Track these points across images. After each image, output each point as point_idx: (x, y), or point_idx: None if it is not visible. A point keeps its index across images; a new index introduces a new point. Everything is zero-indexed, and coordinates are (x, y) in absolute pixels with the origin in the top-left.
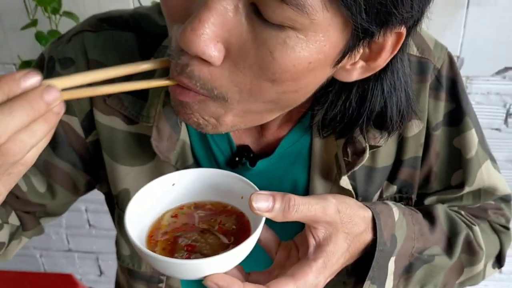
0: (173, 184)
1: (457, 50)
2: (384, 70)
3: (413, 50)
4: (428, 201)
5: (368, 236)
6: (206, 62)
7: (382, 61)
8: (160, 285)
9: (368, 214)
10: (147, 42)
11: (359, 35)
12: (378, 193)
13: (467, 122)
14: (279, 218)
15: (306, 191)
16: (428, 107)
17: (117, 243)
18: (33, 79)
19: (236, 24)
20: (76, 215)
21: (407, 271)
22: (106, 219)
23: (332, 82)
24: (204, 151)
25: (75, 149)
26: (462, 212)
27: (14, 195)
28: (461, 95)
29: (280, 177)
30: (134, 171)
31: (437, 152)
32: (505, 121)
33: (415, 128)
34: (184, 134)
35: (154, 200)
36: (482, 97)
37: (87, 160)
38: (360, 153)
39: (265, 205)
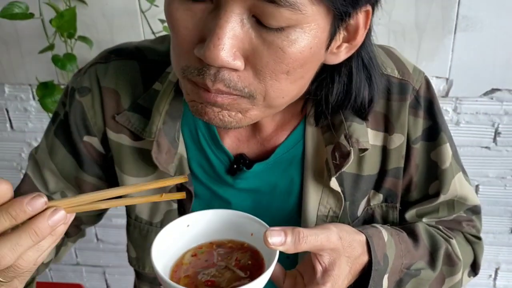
0: (188, 226)
1: (446, 72)
2: (359, 47)
3: (395, 73)
4: (408, 214)
5: (365, 258)
6: (232, 69)
7: (360, 38)
8: (162, 286)
9: (362, 238)
10: (149, 68)
11: (339, 17)
12: (365, 200)
13: (443, 137)
14: (291, 250)
15: (300, 192)
16: (408, 123)
17: (127, 247)
18: (39, 203)
19: (245, 34)
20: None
21: (398, 286)
22: (113, 234)
23: (322, 71)
24: (200, 163)
25: (98, 164)
26: (440, 227)
27: None
28: (437, 113)
29: (276, 179)
30: (139, 182)
31: (417, 164)
32: (494, 140)
33: (397, 141)
34: (181, 149)
35: (175, 238)
36: (471, 117)
37: (109, 172)
38: (346, 156)
39: (279, 239)
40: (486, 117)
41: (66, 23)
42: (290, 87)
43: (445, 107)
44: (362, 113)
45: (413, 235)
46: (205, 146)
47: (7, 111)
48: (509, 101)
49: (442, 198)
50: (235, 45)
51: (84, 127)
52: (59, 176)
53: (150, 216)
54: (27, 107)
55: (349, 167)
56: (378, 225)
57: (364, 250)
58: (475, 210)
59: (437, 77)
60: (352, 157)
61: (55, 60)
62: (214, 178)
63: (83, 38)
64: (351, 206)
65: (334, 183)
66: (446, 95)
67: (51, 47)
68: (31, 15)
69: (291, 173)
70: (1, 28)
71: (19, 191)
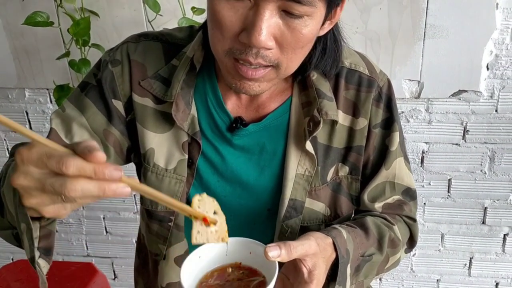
0: (200, 257)
1: (418, 75)
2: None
3: (366, 71)
4: (363, 199)
5: (333, 255)
6: (267, 48)
7: (338, 16)
8: (170, 223)
9: (330, 240)
10: (169, 48)
11: (333, 5)
12: (334, 169)
13: (395, 126)
14: (285, 259)
15: (283, 154)
16: (371, 111)
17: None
18: (116, 174)
19: (275, 23)
20: (95, 223)
21: (357, 270)
22: (121, 226)
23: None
24: (208, 122)
25: (121, 121)
26: (386, 216)
27: None
28: (393, 108)
29: (264, 141)
30: (157, 136)
31: (374, 146)
32: (463, 137)
33: (361, 124)
34: (193, 110)
35: (194, 266)
36: (442, 116)
37: (128, 130)
38: (317, 124)
39: (276, 253)
40: (456, 116)
41: (81, 30)
42: (301, 57)
43: (418, 107)
44: (330, 73)
45: (364, 227)
46: (212, 109)
47: (27, 114)
48: (476, 101)
49: (385, 174)
50: (270, 31)
51: (112, 92)
52: (88, 129)
53: (166, 164)
54: (44, 110)
55: (322, 138)
56: (338, 226)
57: (333, 250)
58: (412, 195)
59: (409, 79)
60: (322, 125)
61: (72, 64)
62: (217, 134)
63: (96, 45)
64: (321, 171)
65: (308, 146)
66: (419, 96)
67: (67, 53)
68: (51, 23)
69: (277, 138)
70: (23, 38)
71: None
